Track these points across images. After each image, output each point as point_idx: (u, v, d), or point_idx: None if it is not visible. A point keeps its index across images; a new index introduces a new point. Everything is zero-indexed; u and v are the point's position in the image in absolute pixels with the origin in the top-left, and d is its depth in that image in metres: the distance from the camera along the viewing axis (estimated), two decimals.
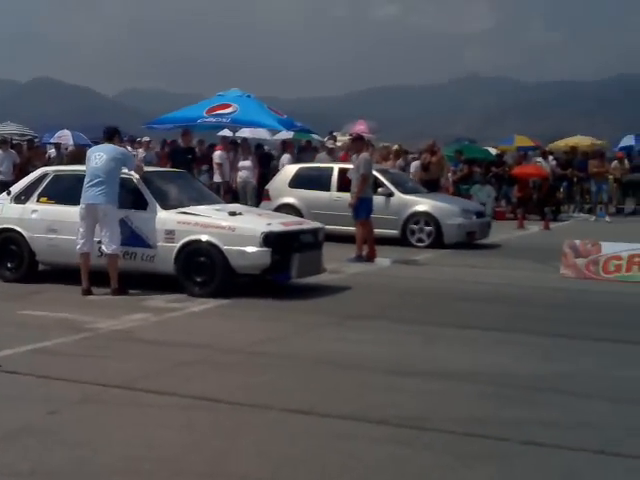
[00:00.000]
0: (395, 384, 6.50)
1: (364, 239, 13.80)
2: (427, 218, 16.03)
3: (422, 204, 16.28)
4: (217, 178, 18.76)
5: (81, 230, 10.24)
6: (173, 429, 5.35)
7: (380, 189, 16.15)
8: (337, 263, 12.51)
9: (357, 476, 4.66)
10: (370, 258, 13.70)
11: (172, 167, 15.52)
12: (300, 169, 17.70)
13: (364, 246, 13.77)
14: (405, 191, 16.63)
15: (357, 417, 5.62)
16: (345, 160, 18.81)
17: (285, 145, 21.15)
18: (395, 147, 26.26)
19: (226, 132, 22.81)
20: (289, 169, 17.92)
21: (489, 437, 5.27)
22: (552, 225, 20.70)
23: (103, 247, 10.17)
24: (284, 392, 6.21)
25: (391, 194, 16.27)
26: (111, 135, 10.73)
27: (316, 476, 4.65)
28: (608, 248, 12.48)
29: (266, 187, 17.71)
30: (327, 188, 16.57)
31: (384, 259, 13.76)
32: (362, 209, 13.88)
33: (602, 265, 12.35)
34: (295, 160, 19.63)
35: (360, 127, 32.26)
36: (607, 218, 23.57)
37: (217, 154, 18.99)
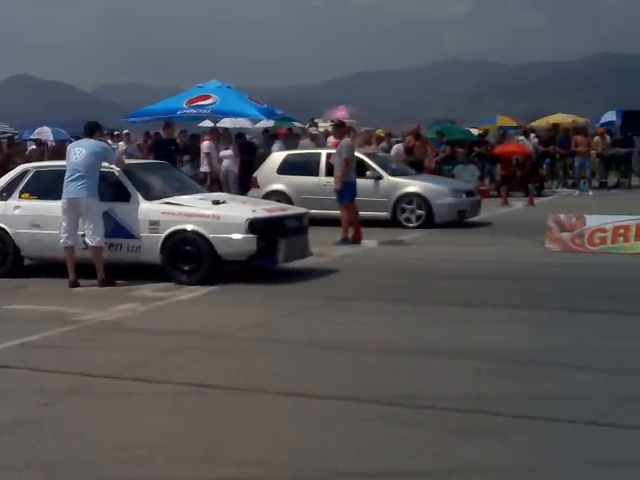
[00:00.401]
0: (387, 363, 6.50)
1: (349, 222, 13.83)
2: (417, 199, 16.05)
3: (411, 185, 16.31)
4: (205, 168, 18.73)
5: (64, 224, 10.24)
6: (166, 416, 5.34)
7: (368, 172, 16.19)
8: (324, 247, 12.51)
9: (353, 456, 4.65)
10: (356, 240, 13.73)
11: (155, 159, 15.44)
12: (288, 156, 17.73)
13: (350, 228, 13.78)
14: (393, 173, 16.65)
15: (350, 397, 5.62)
16: (358, 146, 18.97)
17: (275, 133, 21.16)
18: (378, 131, 26.30)
19: (207, 123, 22.73)
20: (277, 156, 17.94)
21: (483, 412, 5.28)
22: (536, 201, 20.75)
23: (87, 240, 10.17)
24: (276, 376, 6.20)
25: (380, 177, 16.28)
26: (92, 130, 10.71)
27: (312, 458, 4.64)
28: (592, 221, 12.55)
29: (254, 174, 17.69)
30: (315, 173, 16.54)
31: (370, 241, 13.78)
32: (346, 193, 13.92)
33: (587, 238, 12.42)
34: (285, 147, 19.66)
35: (341, 113, 32.30)
36: (590, 192, 23.72)
37: (205, 144, 18.98)
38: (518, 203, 20.83)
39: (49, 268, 11.03)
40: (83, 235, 10.24)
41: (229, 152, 18.93)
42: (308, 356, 6.80)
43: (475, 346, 6.95)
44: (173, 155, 16.97)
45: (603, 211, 13.78)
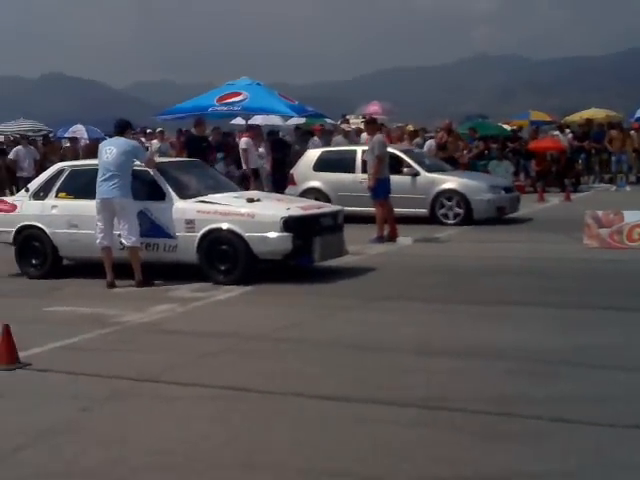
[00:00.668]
0: (421, 365, 6.47)
1: (384, 219, 13.79)
2: (455, 195, 15.92)
3: (449, 182, 16.19)
4: (243, 165, 18.69)
5: (99, 224, 10.29)
6: (204, 421, 5.35)
7: (406, 169, 16.12)
8: (360, 245, 12.46)
9: (390, 461, 4.64)
10: (392, 238, 13.67)
11: (187, 156, 15.46)
12: (324, 152, 17.74)
13: (385, 226, 13.71)
14: (430, 169, 16.53)
15: (386, 400, 5.60)
16: (391, 142, 19.01)
17: (310, 130, 21.15)
18: (408, 127, 26.17)
19: (239, 120, 22.74)
20: (313, 153, 17.91)
21: (518, 415, 5.24)
22: (573, 196, 20.54)
23: (123, 240, 10.19)
24: (312, 378, 6.20)
25: (417, 173, 16.19)
26: (122, 129, 10.73)
27: (349, 461, 4.63)
28: (631, 217, 12.43)
29: (290, 172, 17.67)
30: (352, 170, 16.47)
31: (406, 238, 13.72)
32: (380, 190, 13.88)
33: (626, 234, 12.25)
34: (322, 144, 19.62)
35: (374, 108, 32.15)
36: (628, 187, 23.45)
37: (243, 140, 18.94)
38: (554, 199, 20.65)
39: (85, 268, 11.10)
40: (119, 235, 10.27)
41: (261, 150, 18.90)
42: (344, 358, 6.78)
43: (511, 346, 6.90)
44: (205, 152, 17.00)
45: None
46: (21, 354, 6.76)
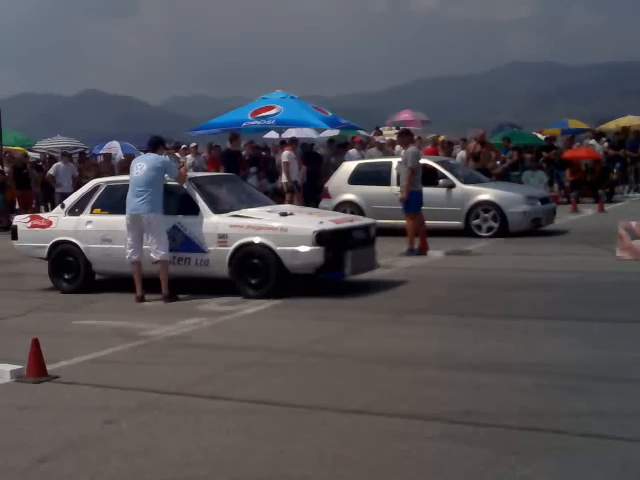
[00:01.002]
0: (448, 379, 6.43)
1: (416, 232, 13.73)
2: (491, 207, 15.78)
3: (485, 193, 16.05)
4: (284, 178, 18.81)
5: (129, 240, 10.39)
6: (230, 434, 5.36)
7: (441, 180, 16.07)
8: (391, 257, 12.44)
9: (413, 475, 4.62)
10: (422, 251, 13.61)
11: (225, 171, 15.61)
12: (359, 165, 17.72)
13: (416, 239, 13.67)
14: (466, 181, 16.45)
15: (412, 415, 5.57)
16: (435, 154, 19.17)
17: (347, 142, 21.20)
18: (440, 138, 26.06)
19: (272, 134, 22.84)
20: (348, 166, 17.86)
21: (546, 430, 5.18)
22: (607, 207, 20.32)
23: (152, 254, 10.26)
24: (338, 392, 6.18)
25: (452, 185, 16.13)
26: (155, 145, 10.87)
27: (372, 476, 4.61)
28: None
29: (325, 185, 17.74)
30: (387, 183, 16.36)
31: (437, 251, 13.67)
32: (412, 202, 13.83)
33: None
34: (360, 156, 19.64)
35: (405, 115, 32.03)
36: None
37: (285, 154, 19.06)
38: (588, 210, 20.45)
39: (115, 283, 11.20)
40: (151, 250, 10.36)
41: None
42: (371, 372, 6.77)
43: (539, 360, 6.83)
44: (239, 167, 17.17)
45: None
46: (49, 367, 6.85)
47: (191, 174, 11.71)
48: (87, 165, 25.00)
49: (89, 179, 22.25)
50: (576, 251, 13.42)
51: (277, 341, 7.96)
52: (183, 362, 7.29)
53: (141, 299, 10.27)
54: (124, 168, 24.46)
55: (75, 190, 20.53)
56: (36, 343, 6.72)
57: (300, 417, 5.66)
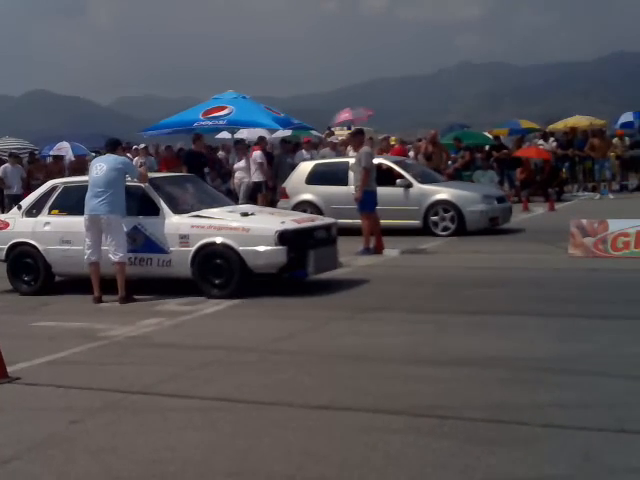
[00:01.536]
0: (411, 374, 6.52)
1: (371, 231, 13.83)
2: (448, 206, 15.97)
3: (442, 193, 16.24)
4: (257, 177, 18.78)
5: (87, 240, 10.33)
6: (195, 431, 5.38)
7: (398, 180, 16.20)
8: (347, 257, 12.51)
9: (379, 467, 4.68)
10: (378, 250, 13.72)
11: (187, 172, 15.54)
12: (316, 165, 17.77)
13: (371, 238, 13.78)
14: (423, 181, 16.61)
15: (377, 409, 5.64)
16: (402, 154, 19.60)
17: (298, 142, 21.29)
18: (392, 139, 26.26)
19: (225, 134, 22.79)
20: (305, 166, 17.90)
21: (509, 422, 5.29)
22: (557, 205, 20.64)
23: (110, 255, 10.19)
24: (302, 388, 6.23)
25: (410, 185, 16.27)
26: (114, 146, 10.83)
27: (339, 469, 4.67)
28: (615, 225, 12.48)
29: (282, 185, 17.77)
30: (344, 183, 16.35)
31: (392, 250, 13.78)
32: (366, 202, 13.92)
33: (611, 243, 12.34)
34: (310, 157, 19.71)
35: (344, 115, 32.17)
36: (610, 195, 23.58)
37: (257, 154, 19.05)
38: (539, 208, 20.75)
39: (71, 284, 11.13)
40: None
41: (242, 164, 18.87)
42: (334, 368, 6.83)
43: (499, 354, 6.95)
44: (202, 168, 17.09)
45: (624, 214, 13.71)
46: (9, 369, 6.79)
47: (151, 174, 11.65)
48: (37, 166, 24.68)
49: (39, 180, 22.10)
50: (528, 248, 13.64)
51: (239, 339, 7.98)
52: (145, 362, 7.27)
53: (99, 300, 10.21)
54: (75, 169, 24.25)
55: (24, 192, 20.40)
56: None
57: (266, 413, 5.69)
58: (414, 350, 7.25)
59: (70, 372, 7.01)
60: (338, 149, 21.64)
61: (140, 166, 14.02)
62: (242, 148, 19.62)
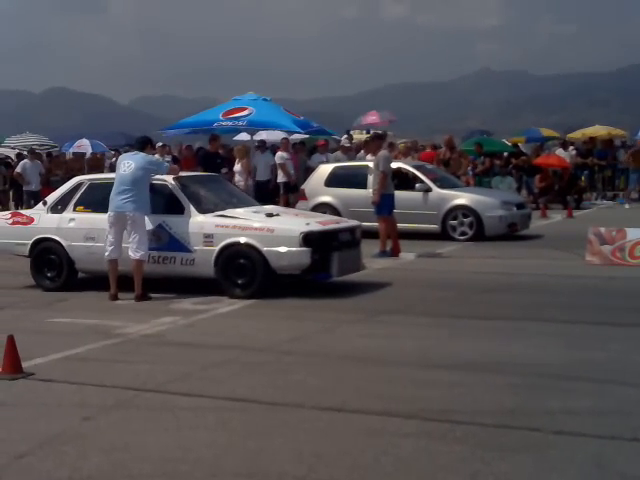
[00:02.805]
0: (424, 378, 6.52)
1: (388, 234, 13.85)
2: (467, 211, 15.95)
3: (461, 198, 16.24)
4: (281, 178, 18.73)
5: (109, 237, 10.35)
6: (207, 430, 5.39)
7: (418, 185, 16.22)
8: (363, 259, 12.46)
9: (390, 471, 4.68)
10: (395, 253, 13.72)
11: (203, 172, 15.58)
12: (335, 168, 17.78)
13: (388, 241, 13.78)
14: (443, 186, 16.61)
15: (387, 412, 5.63)
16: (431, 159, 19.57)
17: (315, 145, 21.27)
18: (401, 145, 26.18)
19: (244, 136, 22.80)
20: (324, 168, 17.93)
21: (520, 428, 5.27)
22: (575, 213, 20.58)
23: (130, 253, 10.20)
24: (314, 390, 6.23)
25: (429, 189, 16.27)
26: (143, 144, 10.82)
27: (350, 472, 4.67)
28: (633, 234, 12.43)
29: (301, 187, 17.81)
30: (363, 186, 16.25)
31: (409, 254, 13.79)
32: (384, 205, 13.95)
33: (628, 251, 12.29)
34: (326, 160, 19.74)
35: (372, 118, 32.06)
36: (626, 205, 23.49)
37: (279, 155, 19.08)
38: (557, 215, 20.69)
39: (88, 281, 11.16)
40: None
41: (238, 167, 18.77)
42: (346, 370, 6.83)
43: (512, 360, 6.94)
44: (219, 168, 17.11)
45: None
46: (24, 364, 6.81)
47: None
48: (57, 163, 24.85)
49: (58, 177, 22.23)
50: (545, 255, 13.60)
51: (252, 340, 7.99)
52: (159, 360, 7.29)
53: (115, 297, 10.23)
54: (91, 166, 24.41)
55: (43, 188, 20.49)
56: (11, 340, 6.69)
57: (277, 414, 5.70)
58: (427, 354, 7.25)
59: (84, 369, 7.04)
60: (351, 153, 21.60)
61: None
62: (240, 150, 19.57)
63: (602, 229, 12.67)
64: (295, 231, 10.06)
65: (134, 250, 10.19)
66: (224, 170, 19.77)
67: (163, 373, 6.77)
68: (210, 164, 17.06)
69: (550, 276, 11.48)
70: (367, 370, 6.79)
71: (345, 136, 27.82)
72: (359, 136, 30.38)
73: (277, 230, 10.09)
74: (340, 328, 8.53)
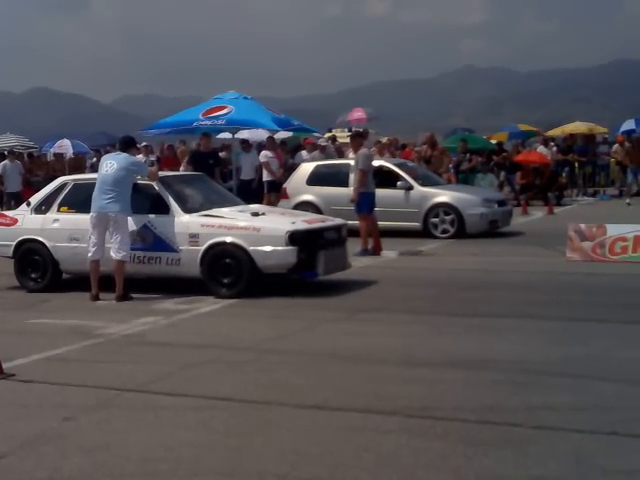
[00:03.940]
0: (406, 375, 6.53)
1: (369, 233, 13.86)
2: (448, 209, 16.00)
3: (442, 195, 16.28)
4: (266, 177, 18.77)
5: (92, 238, 10.30)
6: (189, 430, 5.38)
7: (399, 182, 16.26)
8: None
9: (372, 467, 4.69)
10: (376, 251, 13.74)
11: (193, 171, 15.50)
12: (317, 166, 17.78)
13: (369, 239, 13.79)
14: (424, 183, 16.65)
15: (369, 410, 5.65)
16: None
17: (301, 143, 21.29)
18: (384, 140, 26.15)
19: (227, 135, 22.74)
20: (306, 167, 17.94)
21: (501, 424, 5.30)
22: (556, 210, 20.65)
23: (112, 253, 10.16)
24: (296, 388, 6.24)
25: (410, 187, 16.31)
26: (126, 145, 10.77)
27: (331, 469, 4.67)
28: (613, 230, 12.50)
29: (283, 185, 17.81)
30: (345, 184, 16.23)
31: (391, 251, 13.80)
32: (364, 203, 13.95)
33: (609, 247, 12.36)
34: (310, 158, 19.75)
35: (358, 114, 32.03)
36: (627, 199, 23.48)
37: (263, 153, 19.07)
38: (538, 212, 20.74)
39: (76, 282, 11.10)
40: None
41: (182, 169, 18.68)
42: (328, 368, 6.84)
43: (494, 357, 6.97)
44: (213, 168, 17.00)
45: (623, 219, 13.71)
46: (5, 365, 6.78)
47: (161, 173, 11.59)
48: (38, 163, 24.74)
49: (39, 177, 22.15)
50: (527, 252, 13.66)
51: (234, 339, 7.99)
52: (140, 360, 7.28)
53: (96, 298, 10.20)
54: (73, 166, 24.32)
55: (23, 188, 20.38)
56: None
57: (259, 413, 5.70)
58: (408, 351, 7.27)
59: (65, 369, 7.03)
60: (328, 152, 21.62)
61: (151, 165, 13.96)
62: (183, 151, 19.45)
63: (582, 226, 12.73)
64: (281, 230, 10.05)
65: (116, 251, 10.15)
66: (218, 169, 19.73)
67: (144, 373, 6.76)
68: (200, 164, 16.94)
69: (531, 273, 11.52)
70: (349, 368, 6.80)
71: (327, 135, 27.82)
72: (341, 134, 30.36)
73: (263, 229, 10.08)
74: (323, 326, 8.54)
